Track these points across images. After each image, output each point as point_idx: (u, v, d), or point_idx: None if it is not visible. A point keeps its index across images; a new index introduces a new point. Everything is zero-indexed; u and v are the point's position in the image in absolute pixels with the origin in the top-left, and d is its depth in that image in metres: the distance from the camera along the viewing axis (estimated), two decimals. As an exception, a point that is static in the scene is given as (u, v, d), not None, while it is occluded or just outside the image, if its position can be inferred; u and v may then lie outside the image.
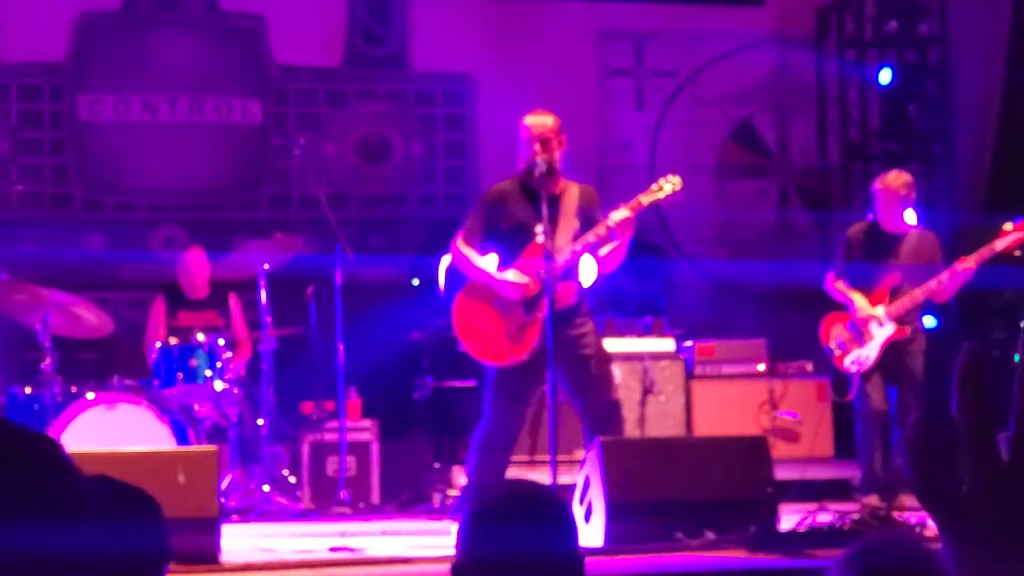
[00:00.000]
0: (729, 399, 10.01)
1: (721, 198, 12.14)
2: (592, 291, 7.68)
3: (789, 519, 6.96)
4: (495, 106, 11.35)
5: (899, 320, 8.36)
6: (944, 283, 8.28)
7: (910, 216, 8.55)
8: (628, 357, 9.72)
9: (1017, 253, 8.39)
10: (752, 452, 7.09)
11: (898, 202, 8.46)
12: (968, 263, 8.24)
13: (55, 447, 1.81)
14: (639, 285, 10.56)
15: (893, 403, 8.39)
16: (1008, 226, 8.34)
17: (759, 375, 10.11)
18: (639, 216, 7.37)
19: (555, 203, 7.33)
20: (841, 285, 8.50)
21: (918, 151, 11.74)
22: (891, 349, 8.35)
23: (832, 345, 8.55)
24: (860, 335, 8.42)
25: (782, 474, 7.55)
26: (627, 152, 12.06)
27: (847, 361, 8.44)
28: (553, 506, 2.45)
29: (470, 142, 11.77)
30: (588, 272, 7.46)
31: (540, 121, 7.42)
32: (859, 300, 8.43)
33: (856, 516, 6.94)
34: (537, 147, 7.31)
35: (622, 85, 12.18)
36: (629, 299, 10.54)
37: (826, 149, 12.18)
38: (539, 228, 7.18)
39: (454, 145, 11.79)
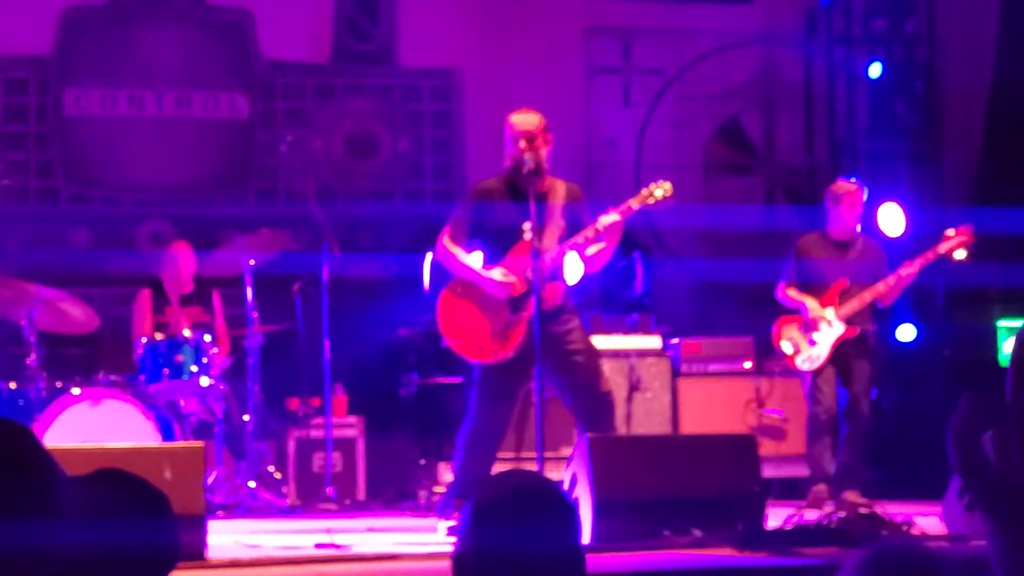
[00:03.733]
0: (716, 397, 10.01)
1: (708, 196, 12.12)
2: (578, 288, 7.66)
3: (776, 517, 6.96)
4: (482, 102, 11.35)
5: (848, 321, 8.67)
6: (890, 286, 8.67)
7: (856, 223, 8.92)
8: (615, 354, 9.71)
9: (960, 257, 8.72)
10: (740, 450, 7.08)
11: (855, 208, 8.84)
12: (912, 267, 8.67)
13: (30, 439, 1.77)
14: (625, 282, 10.54)
15: (842, 402, 8.66)
16: (950, 232, 8.76)
17: (746, 373, 10.11)
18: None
19: (542, 201, 7.31)
20: (792, 292, 8.79)
21: (906, 149, 11.75)
22: (841, 350, 8.64)
23: (785, 346, 8.76)
24: (811, 335, 8.63)
25: (769, 472, 7.57)
26: (613, 149, 12.05)
27: (799, 360, 8.76)
28: (556, 499, 2.43)
29: (457, 138, 11.75)
30: (573, 270, 7.45)
31: (525, 119, 7.42)
32: (810, 302, 8.78)
33: (843, 514, 6.95)
34: (523, 144, 7.30)
35: (609, 82, 12.16)
36: (615, 296, 10.52)
37: (813, 147, 12.18)
38: (527, 226, 7.16)
39: (441, 141, 11.77)
